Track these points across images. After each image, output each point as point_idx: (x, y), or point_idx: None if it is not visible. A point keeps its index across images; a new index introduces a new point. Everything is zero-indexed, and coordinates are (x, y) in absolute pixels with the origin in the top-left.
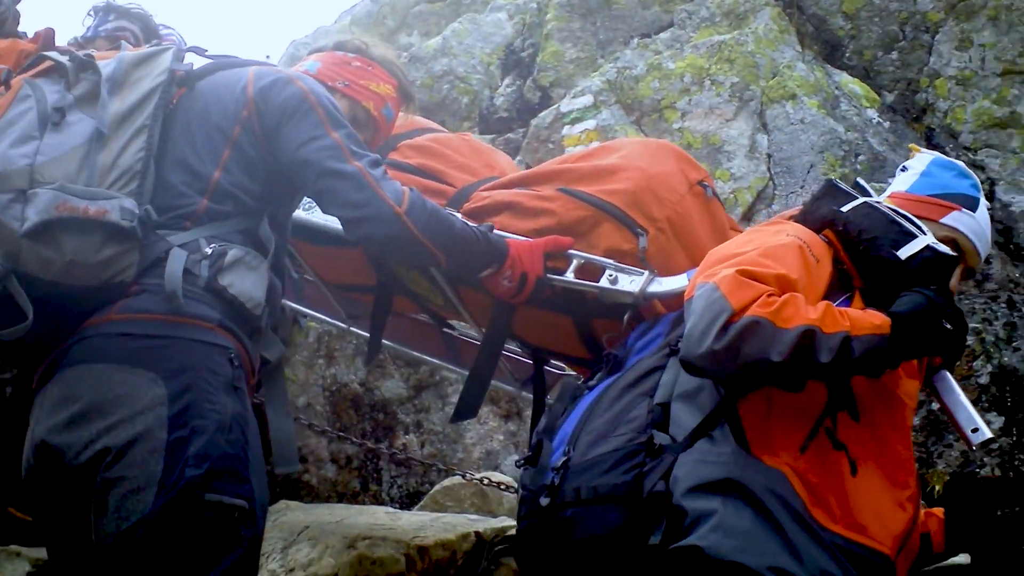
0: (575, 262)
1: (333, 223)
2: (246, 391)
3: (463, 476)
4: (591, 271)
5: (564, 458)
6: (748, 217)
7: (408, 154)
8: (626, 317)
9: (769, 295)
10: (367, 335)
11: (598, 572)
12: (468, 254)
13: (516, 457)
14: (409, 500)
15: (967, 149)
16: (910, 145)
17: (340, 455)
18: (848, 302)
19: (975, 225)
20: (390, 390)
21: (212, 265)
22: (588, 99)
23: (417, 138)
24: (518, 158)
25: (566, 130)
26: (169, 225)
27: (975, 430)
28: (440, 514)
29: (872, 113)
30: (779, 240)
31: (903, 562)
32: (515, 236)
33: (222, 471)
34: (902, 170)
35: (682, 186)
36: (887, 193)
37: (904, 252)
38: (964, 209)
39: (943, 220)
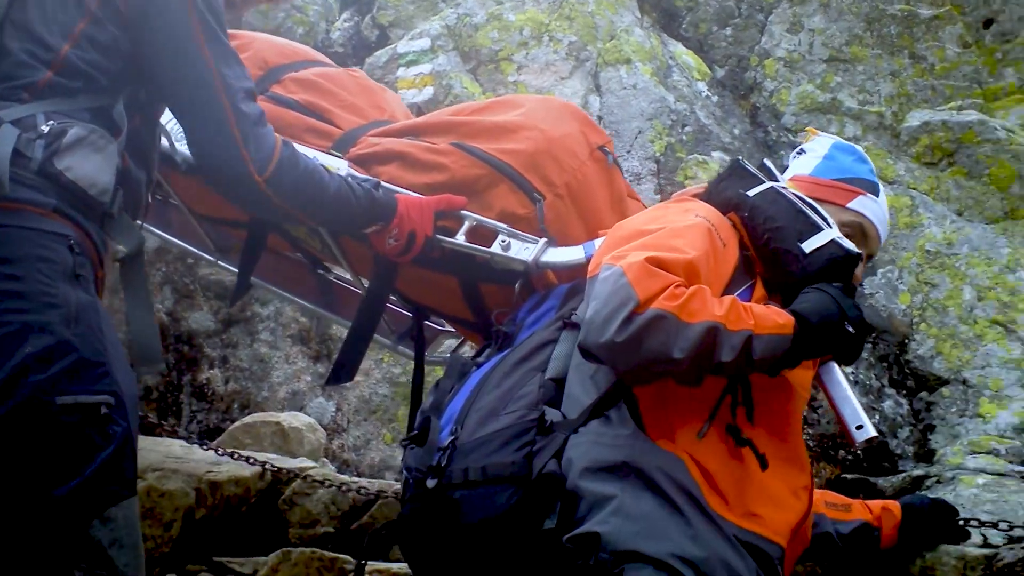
0: (467, 224)
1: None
2: (92, 280)
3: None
4: (483, 234)
5: (451, 437)
6: None
7: (292, 89)
8: (517, 286)
9: (676, 286)
10: (235, 270)
11: (488, 558)
12: (344, 216)
13: (322, 399)
14: (208, 436)
15: (788, 130)
16: (807, 128)
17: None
18: (750, 290)
19: (879, 211)
20: (198, 322)
21: (48, 146)
22: (426, 42)
23: (303, 71)
24: None
25: (401, 72)
26: (4, 96)
27: (859, 427)
28: (237, 451)
29: (702, 86)
30: (688, 221)
31: (793, 552)
32: (404, 191)
33: (74, 369)
34: (799, 152)
35: (583, 151)
36: (788, 176)
37: (809, 245)
38: (868, 194)
39: (849, 205)
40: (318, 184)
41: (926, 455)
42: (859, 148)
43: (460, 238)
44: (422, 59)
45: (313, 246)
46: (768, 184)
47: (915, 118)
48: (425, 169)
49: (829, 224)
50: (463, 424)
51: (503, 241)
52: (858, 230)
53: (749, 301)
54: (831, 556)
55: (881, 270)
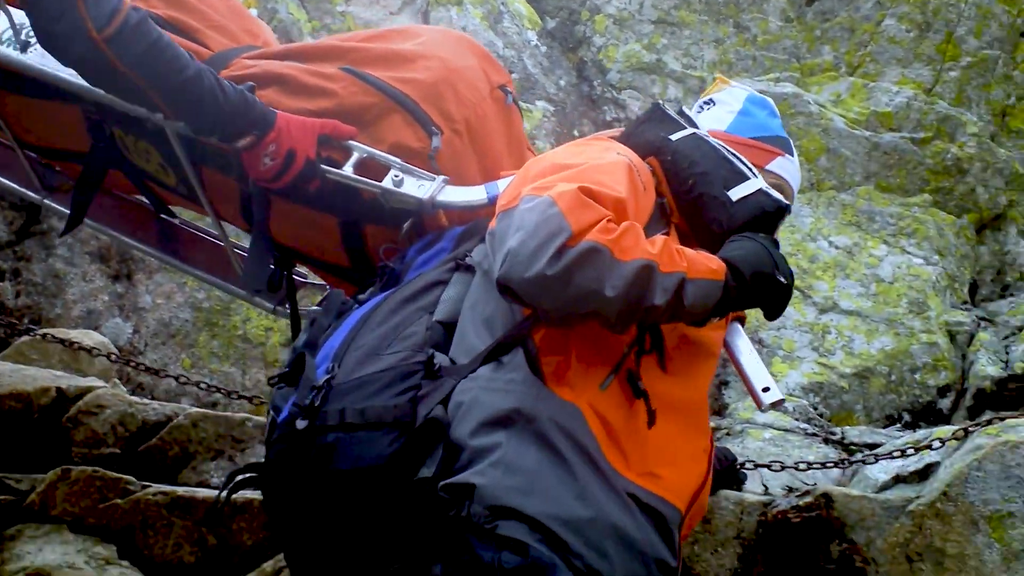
0: (356, 155)
1: (47, 66)
2: None
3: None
4: (372, 168)
5: (327, 376)
6: None
7: (154, 3)
8: (405, 227)
9: (608, 220)
10: (65, 211)
11: (357, 507)
12: (209, 110)
13: (119, 319)
14: None
15: (613, 87)
16: (717, 76)
17: None
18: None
19: (795, 172)
20: None
21: None
22: None
23: None
24: None
25: None
26: None
27: (766, 389)
28: (22, 366)
29: (532, 35)
30: (610, 158)
31: (691, 520)
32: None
33: None
34: (708, 103)
35: (484, 86)
36: (704, 129)
37: (736, 193)
38: (786, 154)
39: (768, 167)
40: (174, 60)
41: (719, 409)
42: (769, 100)
43: (348, 170)
44: None
45: (167, 181)
46: (691, 130)
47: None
48: (309, 94)
49: (754, 173)
50: (340, 362)
51: (396, 176)
52: (777, 192)
53: None
54: None
55: None
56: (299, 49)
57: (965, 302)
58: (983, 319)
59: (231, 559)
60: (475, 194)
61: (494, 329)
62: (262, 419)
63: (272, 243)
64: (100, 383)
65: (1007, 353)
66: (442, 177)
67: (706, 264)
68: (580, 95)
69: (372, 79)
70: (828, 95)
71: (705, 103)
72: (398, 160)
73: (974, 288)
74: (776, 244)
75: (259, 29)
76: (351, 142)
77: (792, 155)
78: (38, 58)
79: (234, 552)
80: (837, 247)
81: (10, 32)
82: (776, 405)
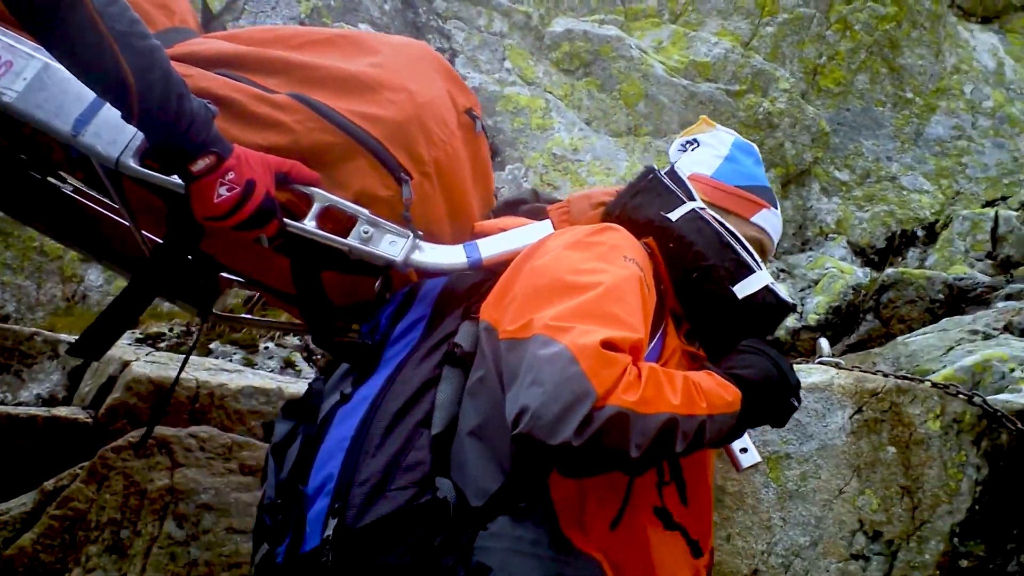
0: (317, 204)
1: None
2: None
3: None
4: (335, 216)
5: (335, 520)
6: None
7: None
8: (376, 285)
9: (629, 369)
10: None
11: None
12: (172, 103)
13: None
14: None
15: (439, 15)
16: (702, 117)
17: None
18: (663, 335)
19: (778, 225)
20: None
21: None
22: None
23: None
24: None
25: None
26: None
27: (744, 450)
28: None
29: None
30: (620, 270)
31: None
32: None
33: None
34: (692, 143)
35: (452, 118)
36: (686, 171)
37: (742, 290)
38: (771, 207)
39: (753, 218)
40: (136, 21)
41: None
42: (754, 147)
43: (310, 223)
44: None
45: (69, 173)
46: (689, 206)
47: (560, 24)
48: (258, 126)
49: (759, 264)
50: (346, 499)
51: (365, 231)
52: (758, 245)
53: (662, 347)
54: None
55: (510, 166)
56: (234, 55)
57: None
58: (782, 271)
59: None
60: (453, 256)
61: (499, 457)
62: (51, 334)
63: (202, 261)
64: None
65: (803, 304)
66: (415, 233)
67: (723, 397)
68: (405, 21)
69: (331, 114)
70: (650, 41)
71: (689, 143)
72: (365, 211)
73: None
74: (779, 345)
75: (177, 4)
76: (313, 188)
77: (776, 207)
78: None
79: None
80: None
81: None
82: (754, 467)
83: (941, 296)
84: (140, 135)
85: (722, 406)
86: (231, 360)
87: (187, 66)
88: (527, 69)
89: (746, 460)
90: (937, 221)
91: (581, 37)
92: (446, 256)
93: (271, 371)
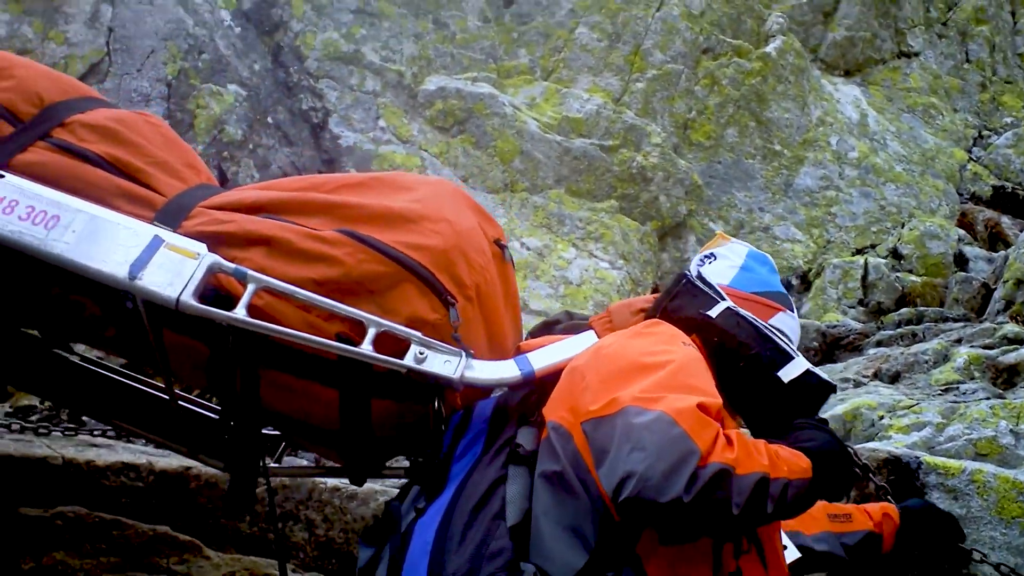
0: (372, 330)
1: None
2: None
3: None
4: (387, 342)
5: None
6: None
7: (86, 136)
8: (437, 405)
9: (720, 431)
10: None
11: None
12: None
13: None
14: None
15: (310, 75)
16: (717, 232)
17: None
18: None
19: (795, 326)
20: None
21: None
22: None
23: (90, 113)
24: None
25: None
26: None
27: (784, 547)
28: None
29: (226, 14)
30: (685, 352)
31: None
32: (275, 281)
33: None
34: (710, 257)
35: (487, 247)
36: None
37: (786, 375)
38: (787, 310)
39: (771, 321)
40: None
41: None
42: (768, 257)
43: (367, 348)
44: None
45: (99, 330)
46: (724, 304)
47: (433, 82)
48: (309, 261)
49: (795, 352)
50: None
51: (420, 352)
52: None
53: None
54: (839, 570)
55: None
56: (275, 200)
57: None
58: None
59: None
60: (506, 370)
61: (584, 537)
62: None
63: (253, 412)
64: None
65: None
66: (466, 351)
67: (798, 463)
68: (275, 81)
69: (380, 245)
70: (523, 98)
71: (706, 257)
72: (417, 334)
73: (656, 292)
74: (826, 423)
75: (196, 161)
76: (366, 315)
77: (792, 311)
78: None
79: None
80: (529, 248)
81: None
82: (792, 564)
83: (816, 344)
84: (198, 276)
85: (799, 472)
86: (104, 432)
87: (230, 213)
88: (401, 127)
89: (788, 556)
90: (810, 270)
91: (455, 95)
92: (499, 371)
93: (144, 442)
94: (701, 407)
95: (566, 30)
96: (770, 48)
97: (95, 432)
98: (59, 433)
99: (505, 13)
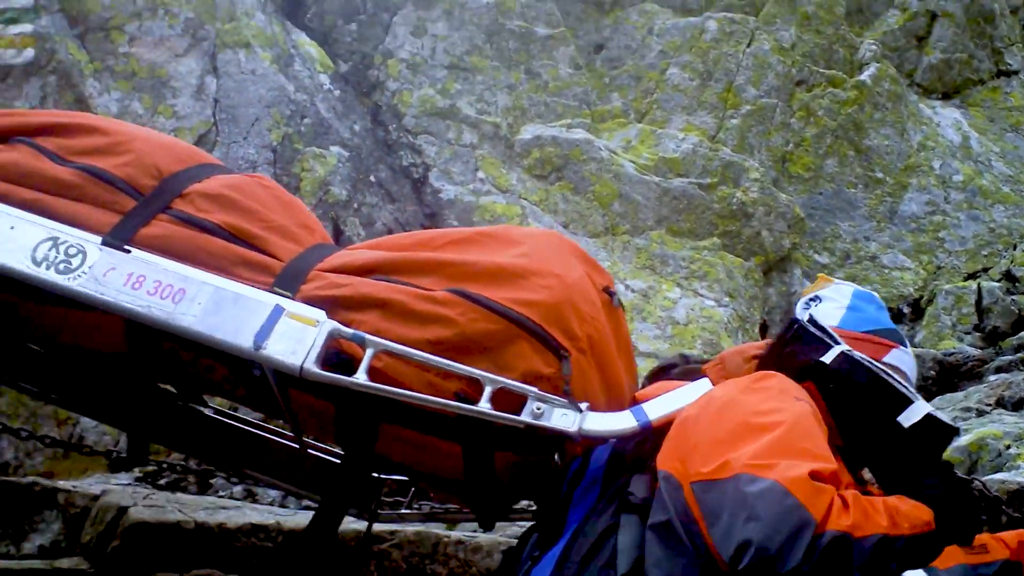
0: (489, 388)
1: (105, 295)
2: None
3: None
4: (504, 398)
5: None
6: None
7: (204, 207)
8: (556, 458)
9: (836, 497)
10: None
11: None
12: None
13: None
14: None
15: (409, 131)
16: (819, 275)
17: None
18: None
19: (911, 362)
20: None
21: None
22: (28, 0)
23: (207, 182)
24: None
25: None
26: None
27: None
28: None
29: (325, 78)
30: (798, 408)
31: None
32: (393, 344)
33: None
34: (815, 299)
35: (596, 296)
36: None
37: (907, 420)
38: (900, 346)
39: (886, 359)
40: None
41: None
42: (875, 295)
43: (485, 405)
44: (23, 18)
45: (230, 390)
46: (838, 349)
47: (528, 132)
48: (422, 322)
49: (914, 395)
50: None
51: (537, 408)
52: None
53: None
54: None
55: None
56: (386, 261)
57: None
58: None
59: None
60: (623, 421)
61: None
62: (49, 482)
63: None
64: None
65: None
66: (584, 404)
67: (920, 516)
68: (376, 140)
69: (490, 303)
70: (619, 141)
71: (812, 300)
72: (533, 389)
73: (764, 328)
74: (950, 467)
75: (309, 218)
76: (482, 373)
77: (905, 345)
78: (92, 283)
79: None
80: (633, 290)
81: (48, 251)
82: None
83: (933, 373)
84: (319, 343)
85: (920, 525)
86: (231, 493)
87: (345, 276)
88: (500, 178)
89: None
90: (921, 297)
91: (551, 142)
92: (616, 422)
93: (270, 501)
94: (814, 474)
95: (657, 71)
96: (864, 76)
97: (221, 494)
98: (189, 496)
99: (596, 59)
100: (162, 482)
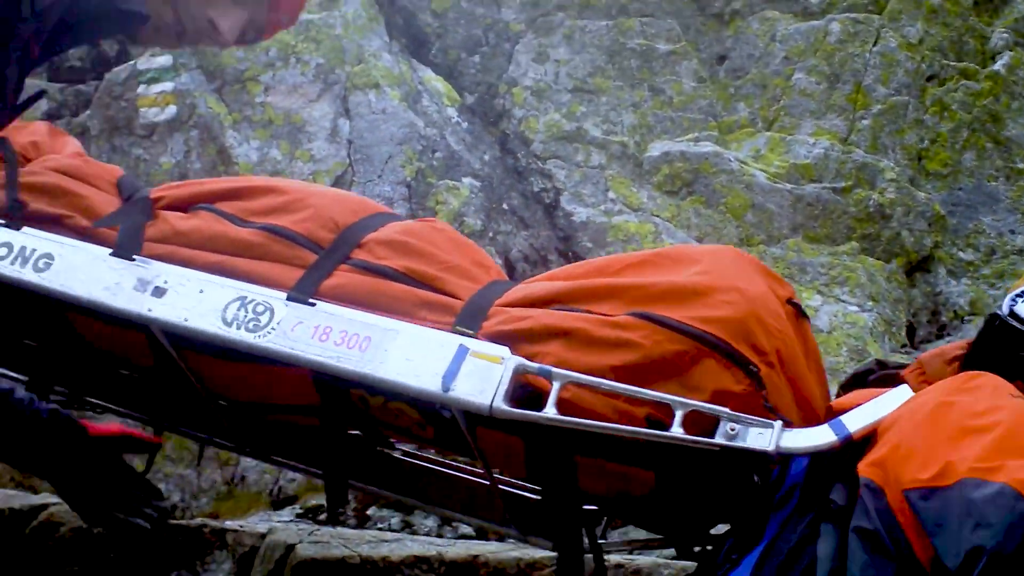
0: (679, 412)
1: (241, 335)
2: None
3: None
4: (696, 420)
5: None
6: None
7: (381, 253)
8: (756, 479)
9: None
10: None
11: None
12: None
13: None
14: None
15: (537, 157)
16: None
17: None
18: None
19: None
20: None
21: None
22: (168, 59)
23: (383, 230)
24: (87, 112)
25: (141, 90)
26: None
27: None
28: None
29: (452, 112)
30: (1017, 407)
31: None
32: (580, 375)
33: None
34: (1021, 296)
35: (780, 308)
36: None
37: None
38: None
39: None
40: None
41: None
42: None
43: (677, 431)
44: (164, 76)
45: (418, 433)
46: None
47: (656, 148)
48: (606, 348)
49: None
50: None
51: (731, 429)
52: None
53: None
54: None
55: None
56: (565, 291)
57: (904, 345)
58: None
59: None
60: (822, 436)
61: None
62: (217, 523)
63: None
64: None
65: None
66: (779, 421)
67: None
68: (505, 168)
69: (674, 323)
70: (748, 151)
71: (1018, 295)
72: (725, 409)
73: (911, 331)
74: None
75: (485, 258)
76: (672, 397)
77: None
78: (281, 339)
79: None
80: None
81: (237, 311)
82: None
83: None
84: (505, 379)
85: None
86: (389, 525)
87: (525, 309)
88: (631, 196)
89: None
90: None
91: (679, 157)
92: (815, 438)
93: (427, 531)
94: None
95: (782, 78)
96: (998, 66)
97: (380, 526)
98: (351, 530)
99: (719, 70)
100: (322, 517)
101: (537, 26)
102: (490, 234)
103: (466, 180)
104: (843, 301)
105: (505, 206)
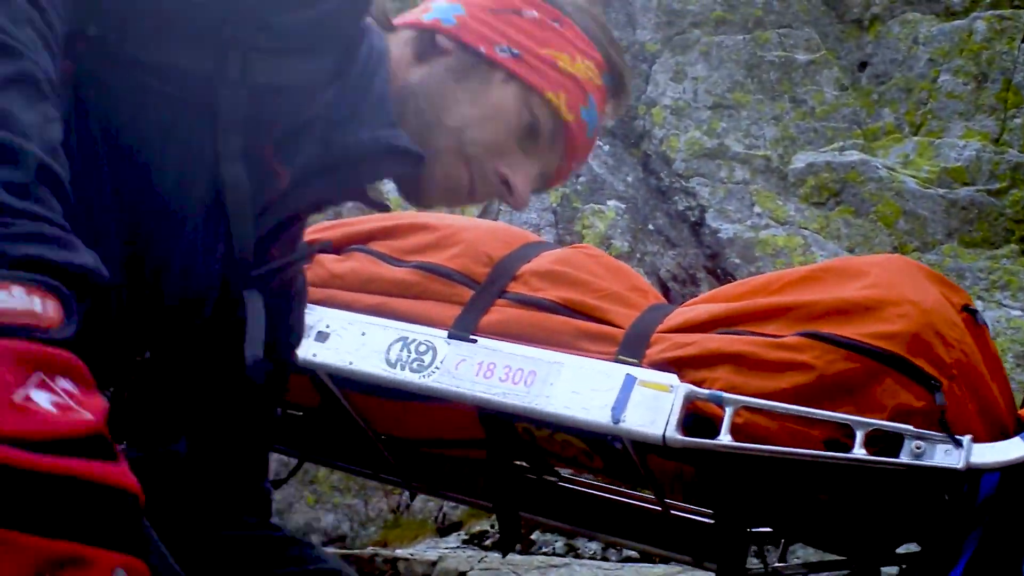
0: (860, 433)
1: (405, 376)
2: None
3: None
4: (876, 439)
5: None
6: None
7: (538, 285)
8: (946, 497)
9: None
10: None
11: None
12: None
13: None
14: None
15: (680, 176)
16: None
17: None
18: None
19: None
20: None
21: None
22: None
23: (536, 261)
24: None
25: None
26: None
27: None
28: None
29: None
30: None
31: None
32: (754, 400)
33: None
34: None
35: (957, 317)
36: None
37: None
38: None
39: None
40: None
41: None
42: None
43: (859, 451)
44: None
45: (585, 462)
46: None
47: (800, 160)
48: (777, 371)
49: None
50: None
51: (916, 447)
52: None
53: None
54: None
55: None
56: (726, 313)
57: None
58: None
59: None
60: (1015, 450)
61: None
62: (388, 552)
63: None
64: None
65: None
66: (967, 437)
67: None
68: (649, 189)
69: (847, 341)
70: (895, 157)
71: None
72: (909, 427)
73: None
74: None
75: (641, 282)
76: (852, 417)
77: None
78: (446, 378)
79: None
80: None
81: (399, 351)
82: None
83: None
84: (676, 408)
85: None
86: (553, 549)
87: (688, 334)
88: (777, 210)
89: None
90: None
91: (825, 168)
92: (1007, 452)
93: (592, 554)
94: None
95: (928, 81)
96: None
97: (544, 550)
98: (518, 556)
99: (861, 77)
100: (487, 543)
101: (673, 44)
102: (638, 255)
103: (611, 203)
104: (1005, 306)
105: (651, 226)
